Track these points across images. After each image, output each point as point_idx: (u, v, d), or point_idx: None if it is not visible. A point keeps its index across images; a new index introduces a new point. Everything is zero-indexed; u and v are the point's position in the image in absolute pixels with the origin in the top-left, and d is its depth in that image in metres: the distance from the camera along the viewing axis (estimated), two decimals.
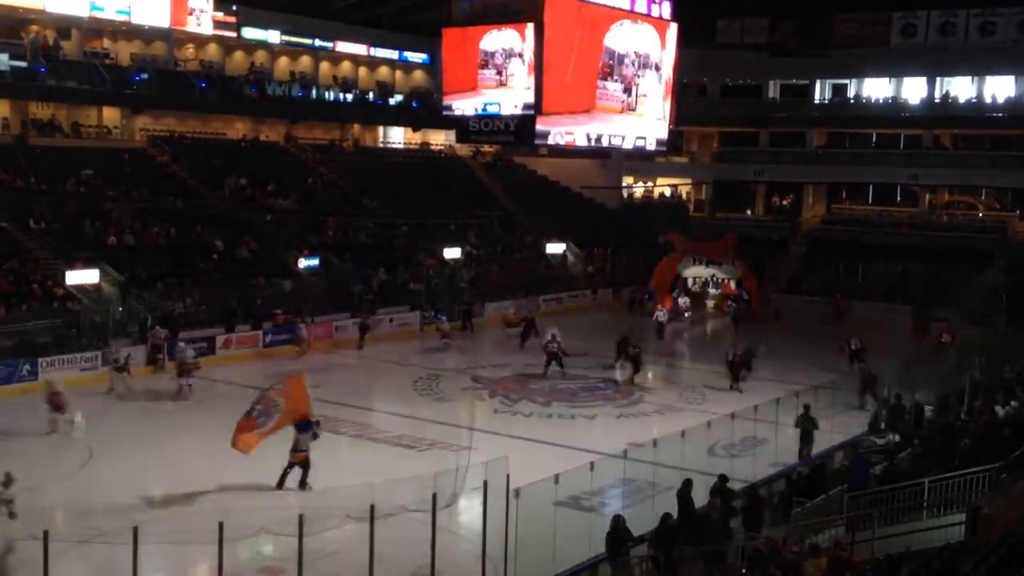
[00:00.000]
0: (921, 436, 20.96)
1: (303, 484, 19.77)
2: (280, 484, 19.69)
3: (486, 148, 54.09)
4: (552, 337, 30.74)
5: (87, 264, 30.90)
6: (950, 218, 51.28)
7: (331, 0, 49.96)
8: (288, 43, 49.49)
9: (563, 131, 31.16)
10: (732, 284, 42.92)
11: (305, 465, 19.87)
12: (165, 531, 15.96)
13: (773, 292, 43.51)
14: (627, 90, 32.99)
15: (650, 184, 58.70)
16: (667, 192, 58.43)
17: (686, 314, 41.31)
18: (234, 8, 45.48)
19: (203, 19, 43.97)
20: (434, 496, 14.12)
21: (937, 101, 51.94)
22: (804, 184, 54.23)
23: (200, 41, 45.90)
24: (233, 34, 46.33)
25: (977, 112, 51.37)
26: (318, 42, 50.41)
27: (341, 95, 50.31)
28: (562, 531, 15.85)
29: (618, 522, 15.39)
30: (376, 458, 22.27)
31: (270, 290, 35.20)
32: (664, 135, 35.40)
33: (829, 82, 55.39)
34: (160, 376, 29.20)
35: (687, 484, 16.65)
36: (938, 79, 51.98)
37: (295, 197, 42.40)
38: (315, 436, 20.37)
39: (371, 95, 52.34)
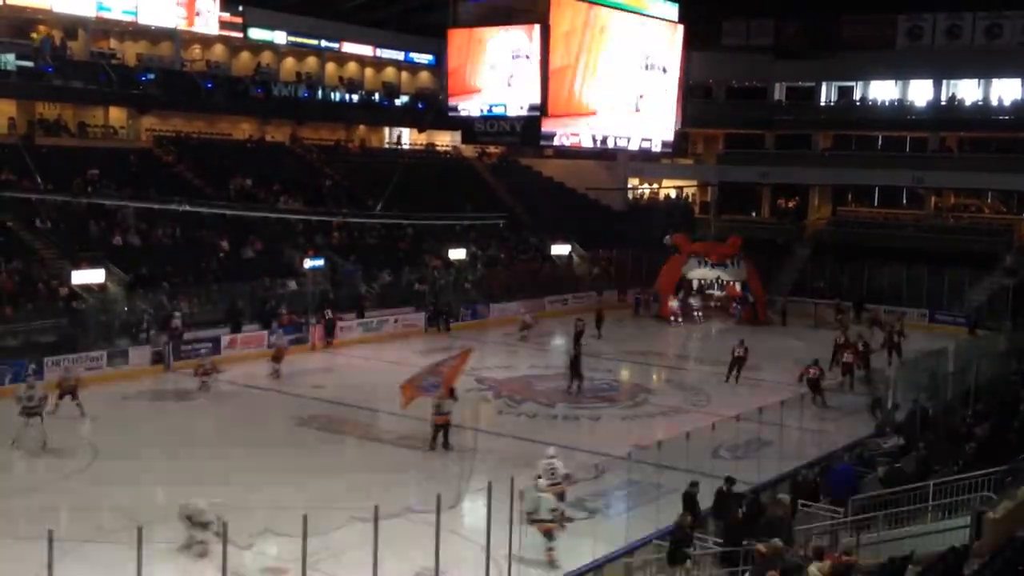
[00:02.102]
0: (926, 439, 20.91)
1: (447, 444, 22.02)
2: (432, 446, 22.03)
3: (491, 149, 54.14)
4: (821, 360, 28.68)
5: (93, 264, 30.94)
6: (956, 221, 51.15)
7: (337, 1, 50.00)
8: (294, 44, 49.50)
9: (568, 132, 31.23)
10: (737, 286, 42.86)
11: (448, 426, 22.14)
12: (170, 531, 16.00)
13: (779, 294, 43.47)
14: (633, 92, 33.03)
15: (655, 186, 58.66)
16: (672, 194, 58.38)
17: (696, 313, 41.15)
18: (240, 9, 45.52)
19: (209, 20, 44.02)
20: (438, 497, 14.11)
21: (943, 104, 51.84)
22: (810, 186, 54.15)
23: (206, 42, 45.94)
24: (239, 35, 46.38)
25: (983, 115, 51.29)
26: (324, 43, 50.42)
27: (347, 96, 50.32)
28: (567, 532, 15.84)
29: (683, 521, 15.41)
30: (380, 458, 22.29)
31: (276, 290, 35.21)
32: (670, 137, 35.51)
33: (835, 84, 55.31)
34: (165, 375, 29.28)
35: (694, 485, 16.64)
36: (944, 82, 51.90)
37: (300, 199, 42.41)
38: (455, 399, 22.51)
39: (377, 96, 52.36)
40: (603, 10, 31.31)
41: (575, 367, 28.19)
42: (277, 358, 29.68)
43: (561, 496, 17.46)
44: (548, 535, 16.01)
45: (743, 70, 55.35)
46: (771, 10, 53.25)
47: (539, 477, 17.44)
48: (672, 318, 40.91)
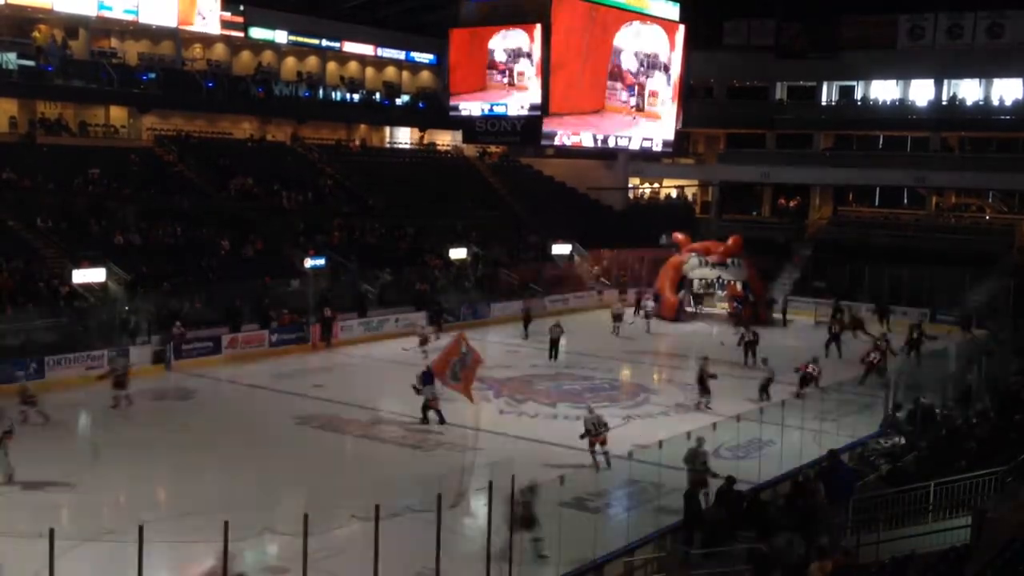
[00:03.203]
0: (927, 438, 20.91)
1: (442, 419, 24.07)
2: (433, 419, 24.12)
3: (492, 149, 54.16)
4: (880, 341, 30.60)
5: (94, 263, 30.94)
6: (957, 220, 51.14)
7: (338, 0, 50.02)
8: (295, 43, 49.54)
9: (570, 132, 31.21)
10: (738, 286, 42.81)
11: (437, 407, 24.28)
12: (170, 530, 16.00)
13: (780, 294, 43.44)
14: (635, 91, 33.02)
15: (656, 185, 58.66)
16: (673, 193, 58.37)
17: (648, 321, 39.34)
18: (241, 8, 45.56)
19: (210, 19, 44.07)
20: (439, 496, 14.11)
21: (944, 103, 51.83)
22: (811, 186, 54.14)
23: (207, 41, 45.97)
24: (240, 34, 46.41)
25: (984, 114, 51.27)
26: (325, 42, 50.46)
27: (348, 95, 50.35)
28: (567, 532, 15.83)
29: (717, 514, 15.52)
30: (381, 458, 22.29)
31: (277, 290, 35.21)
32: (671, 136, 35.48)
33: (836, 84, 55.29)
34: (166, 375, 29.31)
35: (695, 485, 16.64)
36: (945, 81, 51.88)
37: (300, 199, 42.42)
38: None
39: (378, 95, 52.38)
40: (604, 9, 31.28)
41: (703, 381, 27.10)
42: (119, 384, 25.02)
43: (603, 442, 20.75)
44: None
45: (744, 70, 55.33)
46: (772, 10, 53.24)
47: (588, 432, 20.72)
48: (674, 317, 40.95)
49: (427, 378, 24.37)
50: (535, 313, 38.05)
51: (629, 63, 32.33)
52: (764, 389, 26.83)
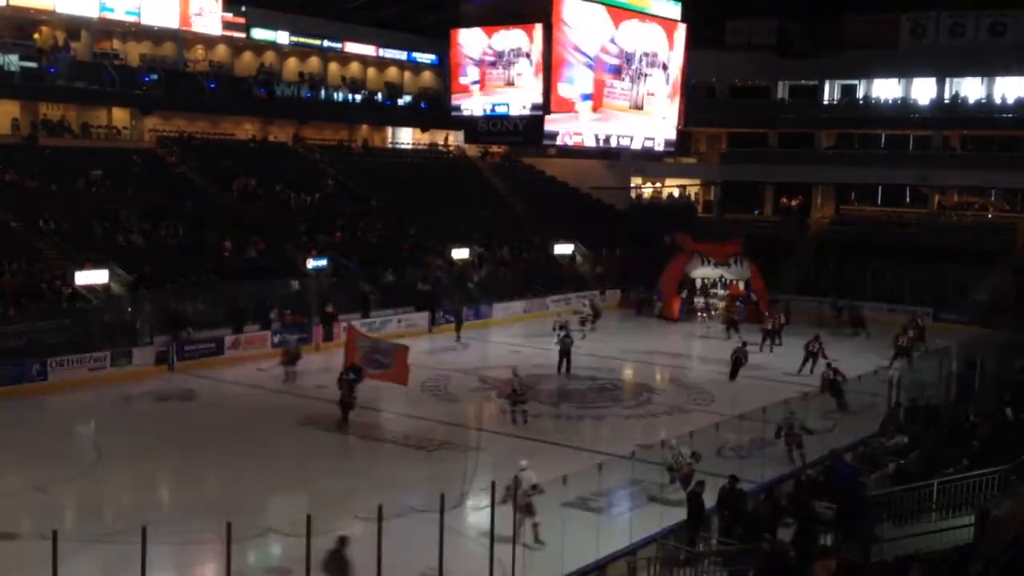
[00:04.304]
0: (930, 437, 20.87)
1: (346, 421, 24.15)
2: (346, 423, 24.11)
3: (495, 149, 54.15)
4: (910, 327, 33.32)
5: (96, 264, 31.00)
6: (960, 219, 51.09)
7: (340, 1, 50.01)
8: (297, 44, 49.52)
9: (571, 131, 31.14)
10: (740, 285, 42.79)
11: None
12: (174, 531, 16.02)
13: (782, 293, 43.41)
14: (635, 90, 32.98)
15: (658, 185, 58.63)
16: (675, 193, 58.34)
17: (585, 326, 36.95)
18: (243, 9, 45.53)
19: (212, 20, 44.07)
20: (442, 496, 14.11)
21: (946, 102, 51.71)
22: (813, 185, 54.07)
23: (209, 42, 45.95)
24: (242, 35, 46.40)
25: (987, 113, 51.13)
26: (327, 43, 50.45)
27: (350, 96, 50.35)
28: (570, 532, 15.84)
29: (756, 506, 15.94)
30: (384, 459, 22.31)
31: (279, 290, 35.20)
32: (672, 136, 35.34)
33: (838, 83, 55.16)
34: (169, 376, 29.32)
35: (700, 485, 16.63)
36: (947, 80, 51.76)
37: (302, 199, 42.42)
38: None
39: (380, 96, 52.39)
40: (605, 9, 31.22)
41: (837, 390, 26.23)
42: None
43: (524, 401, 24.47)
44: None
45: (746, 69, 55.23)
46: (774, 9, 53.15)
47: (515, 391, 24.45)
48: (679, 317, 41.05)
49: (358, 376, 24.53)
50: (465, 317, 37.18)
51: (629, 62, 32.30)
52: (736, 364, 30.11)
